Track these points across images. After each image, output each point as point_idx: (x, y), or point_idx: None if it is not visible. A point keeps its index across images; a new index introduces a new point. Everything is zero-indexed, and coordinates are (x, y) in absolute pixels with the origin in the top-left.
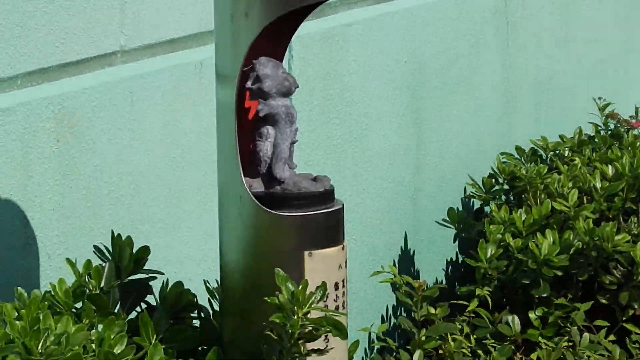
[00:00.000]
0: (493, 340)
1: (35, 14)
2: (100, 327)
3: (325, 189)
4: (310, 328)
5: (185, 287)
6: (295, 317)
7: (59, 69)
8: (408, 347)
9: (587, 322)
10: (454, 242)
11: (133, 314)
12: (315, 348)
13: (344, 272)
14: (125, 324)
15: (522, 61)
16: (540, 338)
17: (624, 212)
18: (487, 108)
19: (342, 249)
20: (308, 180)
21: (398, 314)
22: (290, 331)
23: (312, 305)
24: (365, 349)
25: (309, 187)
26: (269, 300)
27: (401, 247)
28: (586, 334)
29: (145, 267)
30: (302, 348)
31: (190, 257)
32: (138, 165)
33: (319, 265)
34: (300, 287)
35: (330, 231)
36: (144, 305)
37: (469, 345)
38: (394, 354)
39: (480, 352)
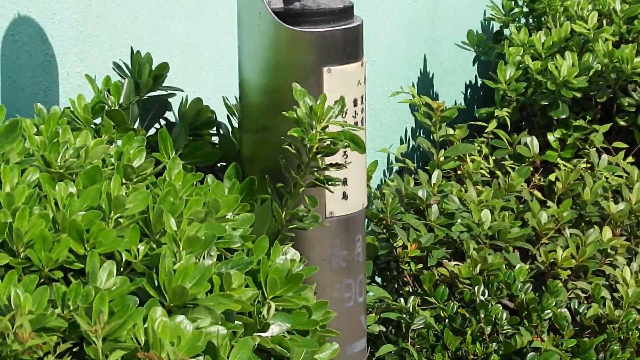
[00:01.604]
0: (511, 162)
1: None
2: (119, 142)
3: (344, 5)
4: (329, 142)
5: (205, 104)
6: (314, 131)
7: None
8: (427, 167)
9: (606, 144)
10: (473, 64)
11: (152, 131)
12: (334, 162)
13: (363, 89)
14: (144, 139)
15: None
16: (558, 159)
17: None
18: None
19: (361, 65)
20: None
21: (417, 135)
22: (308, 145)
23: (331, 120)
24: (384, 170)
25: (328, 3)
26: (287, 115)
27: (420, 69)
28: (604, 156)
29: (164, 84)
30: (320, 162)
31: (209, 75)
32: None
33: (337, 81)
34: (319, 101)
35: (349, 47)
36: (162, 122)
37: (487, 166)
38: (413, 174)
39: (498, 172)
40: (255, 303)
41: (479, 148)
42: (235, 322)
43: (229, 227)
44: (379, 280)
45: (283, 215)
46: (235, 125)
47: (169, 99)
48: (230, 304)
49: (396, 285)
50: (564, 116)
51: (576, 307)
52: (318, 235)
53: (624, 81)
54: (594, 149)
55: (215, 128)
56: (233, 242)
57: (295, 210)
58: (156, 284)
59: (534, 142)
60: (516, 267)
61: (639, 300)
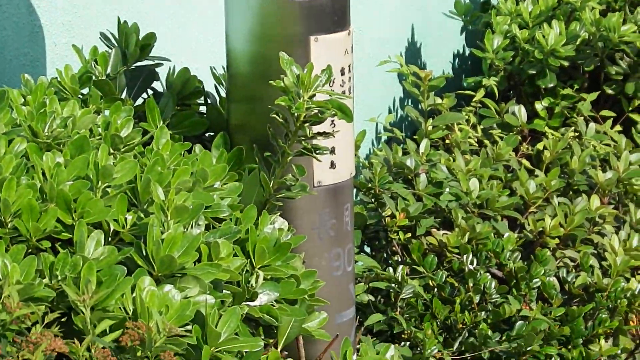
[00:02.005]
0: (499, 130)
1: None
2: (106, 112)
3: None
4: (316, 111)
5: (192, 74)
6: (301, 100)
7: None
8: (415, 137)
9: (593, 113)
10: (461, 34)
11: (139, 101)
12: (321, 131)
13: (350, 58)
14: (132, 109)
15: None
16: (546, 128)
17: (630, 3)
18: None
19: (348, 34)
20: None
21: (405, 104)
22: (295, 114)
23: (318, 89)
24: (373, 140)
25: None
26: (274, 84)
27: (408, 39)
28: (592, 124)
29: (151, 54)
30: (307, 131)
31: (197, 45)
32: None
33: (324, 50)
34: (306, 70)
35: (336, 16)
36: (150, 92)
37: (476, 135)
38: (401, 144)
39: (486, 141)
40: (244, 272)
41: (466, 117)
42: (224, 291)
43: (216, 197)
44: (367, 249)
45: (271, 185)
46: (223, 95)
47: (157, 69)
48: (219, 273)
49: (385, 255)
50: (551, 85)
51: (564, 275)
52: (306, 205)
53: (611, 50)
54: (582, 117)
55: (202, 98)
56: (221, 211)
57: (283, 179)
58: (144, 253)
59: (521, 111)
60: (505, 236)
61: (627, 268)
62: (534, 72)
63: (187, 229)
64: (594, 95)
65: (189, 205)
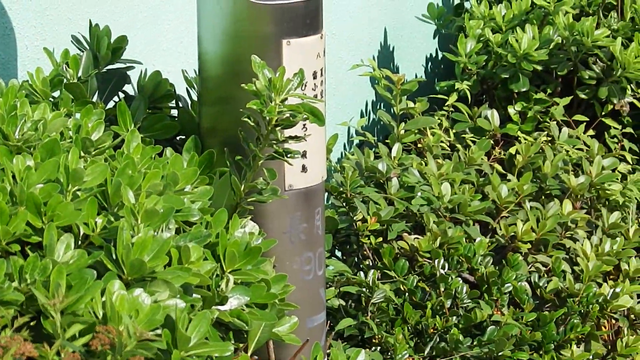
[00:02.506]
0: (472, 135)
1: None
2: (77, 115)
3: None
4: (288, 114)
5: (164, 77)
6: (273, 104)
7: None
8: (387, 141)
9: (566, 117)
10: (434, 38)
11: (111, 104)
12: (293, 135)
13: (322, 61)
14: (103, 112)
15: None
16: (519, 132)
17: (604, 7)
18: None
19: (321, 37)
20: None
21: (377, 108)
22: (267, 117)
23: (290, 92)
24: (345, 144)
25: None
26: (246, 88)
27: (381, 42)
28: (565, 129)
29: (123, 57)
30: (279, 135)
31: (169, 48)
32: None
33: (297, 53)
34: (278, 74)
35: (308, 19)
36: (122, 95)
37: (448, 139)
38: (373, 148)
39: (459, 146)
40: (214, 276)
41: (439, 121)
42: (194, 295)
43: (187, 200)
44: (339, 254)
45: (242, 188)
46: (195, 98)
47: (128, 72)
48: (189, 277)
49: (356, 259)
50: (524, 89)
51: (536, 280)
52: (277, 208)
53: (585, 54)
54: (555, 122)
55: (174, 101)
56: (191, 215)
57: (254, 183)
58: (114, 257)
59: (494, 115)
60: (476, 241)
61: (599, 273)
62: (507, 76)
63: (157, 233)
64: (566, 100)
65: (159, 208)
